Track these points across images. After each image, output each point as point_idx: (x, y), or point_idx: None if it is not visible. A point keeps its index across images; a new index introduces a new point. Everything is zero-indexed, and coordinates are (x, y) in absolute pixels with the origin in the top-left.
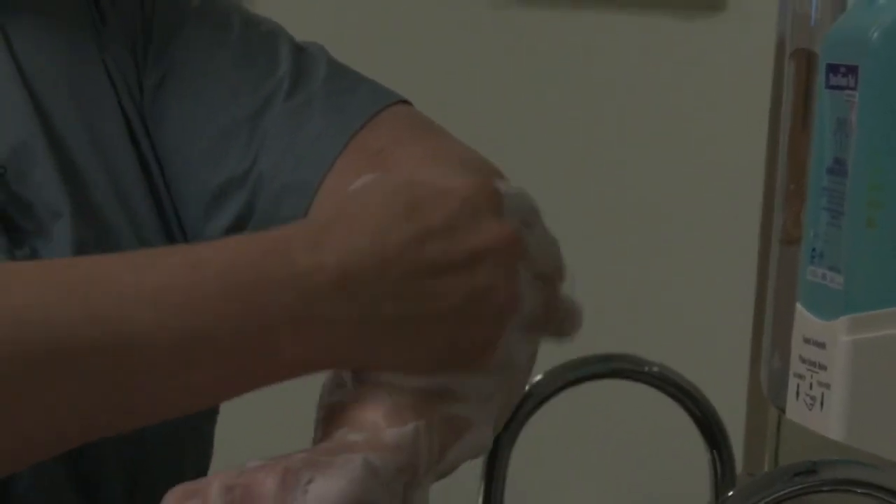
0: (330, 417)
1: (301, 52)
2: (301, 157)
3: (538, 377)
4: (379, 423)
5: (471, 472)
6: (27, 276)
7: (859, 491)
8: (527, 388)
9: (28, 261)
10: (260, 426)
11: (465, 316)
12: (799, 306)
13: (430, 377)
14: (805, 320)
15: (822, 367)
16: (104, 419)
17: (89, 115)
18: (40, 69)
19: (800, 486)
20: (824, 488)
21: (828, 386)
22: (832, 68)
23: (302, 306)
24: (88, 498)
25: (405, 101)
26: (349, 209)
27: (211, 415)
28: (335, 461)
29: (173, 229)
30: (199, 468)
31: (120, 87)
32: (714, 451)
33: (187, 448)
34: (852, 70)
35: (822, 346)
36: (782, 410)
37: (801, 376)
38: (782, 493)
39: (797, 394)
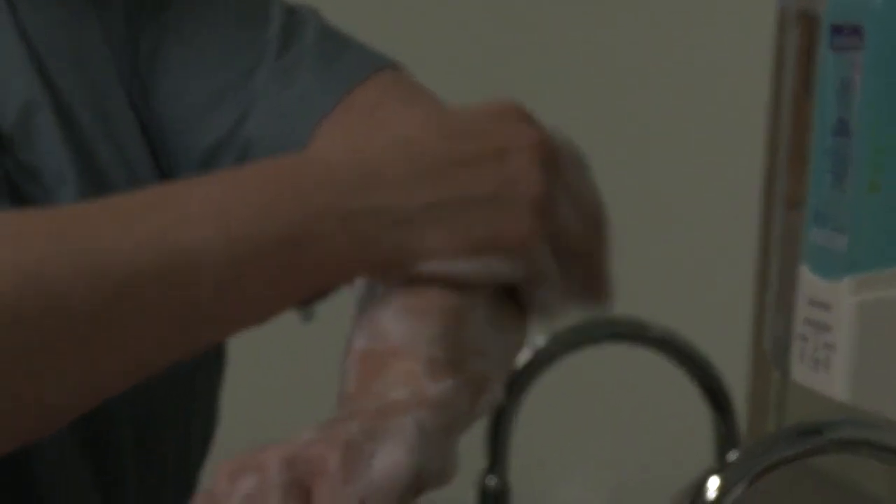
0: (363, 366)
1: (292, 14)
2: (290, 117)
3: (542, 341)
4: (420, 377)
5: (476, 434)
6: (72, 213)
7: (864, 452)
8: (531, 352)
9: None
10: (265, 407)
11: (499, 202)
12: (803, 268)
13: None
14: (809, 282)
15: (827, 329)
16: (174, 341)
17: (92, 81)
18: (44, 36)
19: (804, 447)
20: (829, 449)
21: (833, 347)
22: (836, 29)
23: (341, 201)
24: (98, 462)
25: (397, 66)
26: (382, 120)
27: (218, 376)
28: (390, 427)
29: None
30: (205, 435)
31: (118, 53)
32: (718, 414)
33: (195, 410)
34: (856, 30)
35: (826, 307)
36: (785, 374)
37: (805, 338)
38: (787, 454)
39: (802, 355)
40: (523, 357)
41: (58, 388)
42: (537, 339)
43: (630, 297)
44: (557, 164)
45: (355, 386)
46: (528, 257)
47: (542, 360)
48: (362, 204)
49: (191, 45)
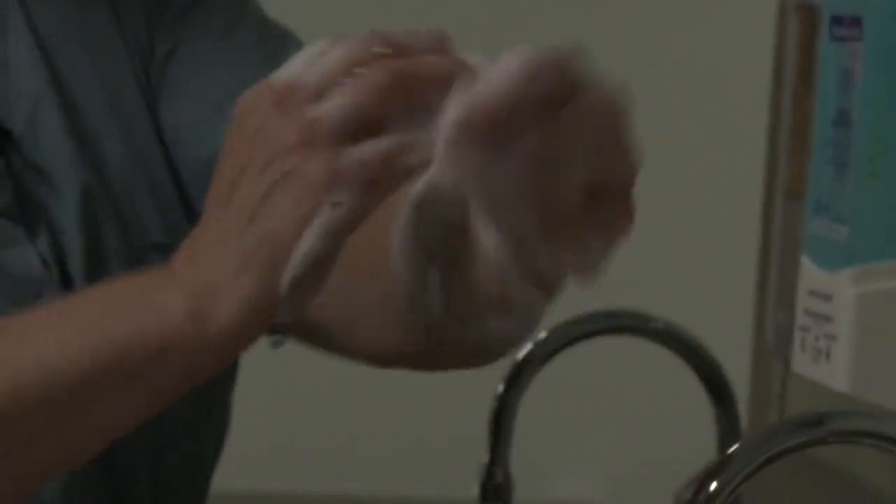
0: None
1: None
2: None
3: (543, 334)
4: None
5: (478, 427)
6: None
7: (866, 442)
8: (532, 345)
9: None
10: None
11: (282, 177)
12: (804, 259)
13: None
14: (810, 273)
15: (828, 320)
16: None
17: (105, 81)
18: (57, 35)
19: (806, 438)
20: (830, 440)
21: (834, 338)
22: (836, 20)
23: (182, 293)
24: (110, 468)
25: None
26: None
27: (229, 380)
28: None
29: (185, 189)
30: (217, 444)
31: (134, 52)
32: (719, 406)
33: (207, 416)
34: (856, 21)
35: (827, 298)
36: (787, 365)
37: (806, 329)
38: (788, 445)
39: (803, 346)
40: (524, 350)
41: None
42: (539, 331)
43: (631, 289)
44: (284, 88)
45: None
46: (355, 180)
47: (543, 353)
48: (197, 281)
49: (208, 55)
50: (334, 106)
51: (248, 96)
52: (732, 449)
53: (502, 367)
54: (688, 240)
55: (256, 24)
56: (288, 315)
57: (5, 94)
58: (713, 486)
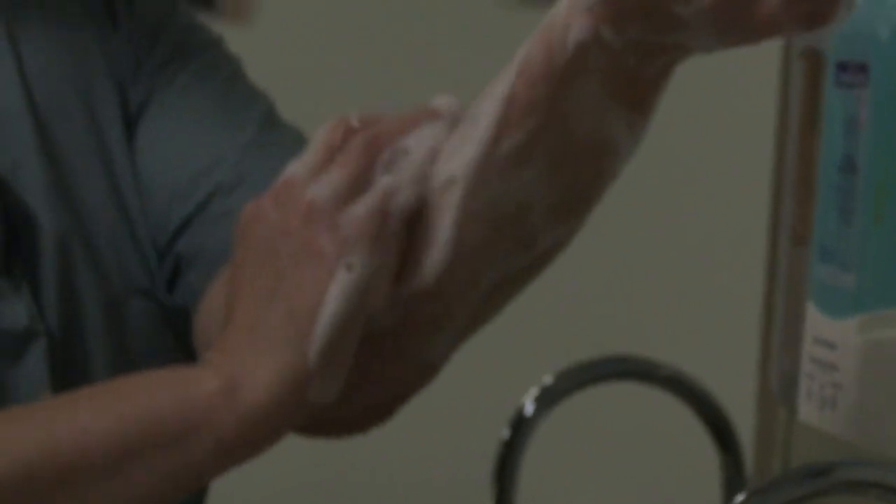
0: None
1: (279, 118)
2: (253, 185)
3: (550, 379)
4: None
5: (483, 473)
6: None
7: (873, 493)
8: (538, 390)
9: None
10: None
11: (286, 260)
12: (809, 306)
13: None
14: (816, 320)
15: (834, 368)
16: None
17: (94, 122)
18: (48, 76)
19: (812, 489)
20: (837, 490)
21: (839, 386)
22: (841, 66)
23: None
24: None
25: None
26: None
27: None
28: None
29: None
30: None
31: (119, 94)
32: (725, 453)
33: None
34: (862, 68)
35: (833, 346)
36: (793, 412)
37: (812, 377)
38: (794, 495)
39: (809, 395)
40: (530, 395)
41: None
42: (544, 377)
43: (636, 336)
44: (280, 186)
45: None
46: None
47: (549, 399)
48: (230, 362)
49: (172, 104)
50: (324, 182)
51: (248, 206)
52: (738, 499)
53: (508, 412)
54: (693, 285)
55: (227, 80)
56: (321, 393)
57: None
58: None
